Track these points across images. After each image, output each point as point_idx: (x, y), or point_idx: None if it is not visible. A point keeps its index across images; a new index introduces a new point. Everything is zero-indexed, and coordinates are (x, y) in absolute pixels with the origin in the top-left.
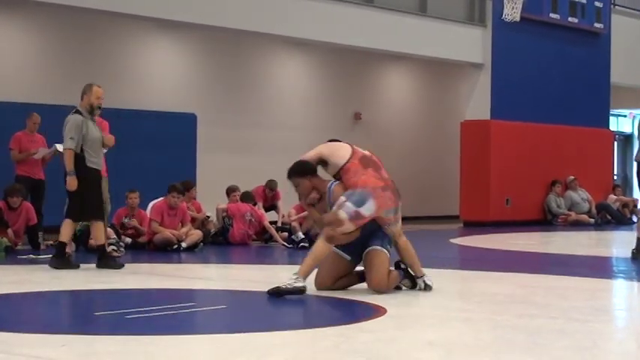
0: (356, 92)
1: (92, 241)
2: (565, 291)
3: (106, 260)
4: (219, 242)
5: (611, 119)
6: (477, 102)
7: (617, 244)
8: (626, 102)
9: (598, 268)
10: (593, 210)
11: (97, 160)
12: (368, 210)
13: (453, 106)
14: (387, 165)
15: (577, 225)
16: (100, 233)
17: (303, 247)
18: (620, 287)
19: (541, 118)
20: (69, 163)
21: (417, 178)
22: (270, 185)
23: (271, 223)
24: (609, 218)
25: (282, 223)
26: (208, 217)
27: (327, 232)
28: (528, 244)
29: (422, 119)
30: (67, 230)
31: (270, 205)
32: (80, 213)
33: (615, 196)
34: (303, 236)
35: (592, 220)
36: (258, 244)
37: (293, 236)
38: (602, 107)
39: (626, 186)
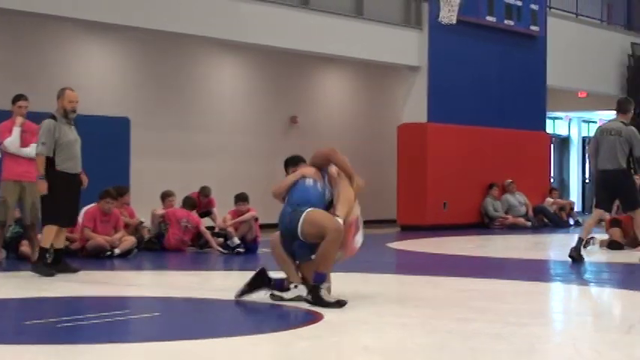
0: (292, 95)
1: (23, 248)
2: (502, 295)
3: (64, 265)
4: (153, 248)
5: (548, 122)
6: (413, 105)
7: (554, 247)
8: (562, 104)
9: (535, 271)
10: (530, 213)
11: (71, 165)
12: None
13: (389, 110)
14: None
15: (514, 228)
16: (62, 238)
17: (238, 252)
18: (557, 290)
19: (478, 121)
20: (40, 168)
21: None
22: (204, 192)
23: (207, 228)
24: (546, 221)
25: (219, 229)
26: (142, 222)
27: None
28: (465, 247)
29: (359, 122)
30: (48, 235)
31: (205, 212)
32: (56, 217)
33: (552, 199)
34: (238, 242)
35: (529, 224)
36: (194, 250)
37: (229, 242)
38: (539, 110)
39: (562, 189)
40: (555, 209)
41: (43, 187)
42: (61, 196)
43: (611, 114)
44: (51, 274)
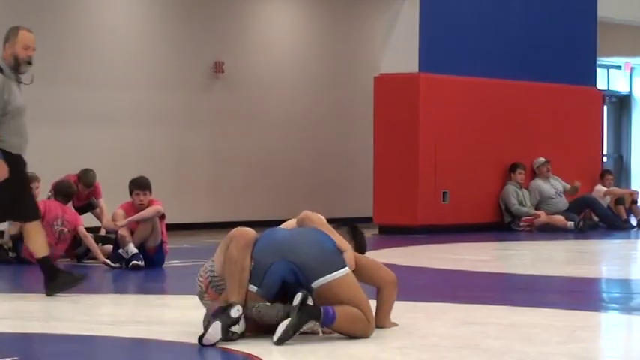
0: (216, 34)
1: None
2: (530, 329)
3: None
4: (8, 260)
5: (600, 72)
6: (398, 47)
7: (608, 258)
8: (621, 47)
9: (579, 295)
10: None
11: (18, 142)
12: None
13: (362, 54)
14: (263, 142)
15: (548, 231)
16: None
17: (135, 266)
18: (610, 323)
19: (495, 72)
20: None
21: (314, 165)
22: (86, 179)
23: (90, 230)
24: (596, 220)
25: (106, 231)
26: None
27: None
28: (476, 260)
29: (314, 71)
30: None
31: (86, 204)
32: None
33: (605, 188)
34: (136, 250)
35: (571, 224)
36: (68, 261)
37: (120, 250)
38: (586, 55)
39: (620, 172)
40: (610, 202)
41: (3, 171)
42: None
43: None
44: (81, 276)
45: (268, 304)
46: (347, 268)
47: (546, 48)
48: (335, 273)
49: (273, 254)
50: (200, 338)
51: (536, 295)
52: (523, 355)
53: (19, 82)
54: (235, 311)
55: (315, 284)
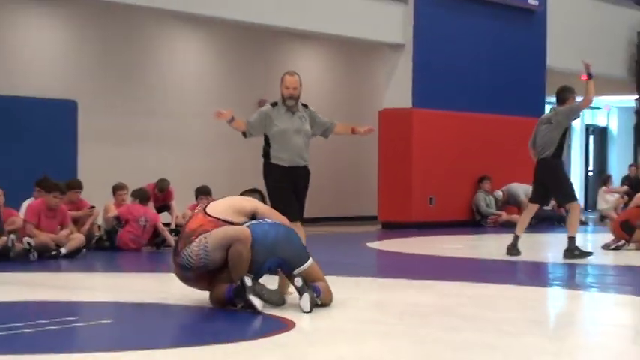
0: (260, 76)
1: None
2: (495, 300)
3: None
4: (104, 247)
5: (547, 108)
6: (396, 88)
7: (552, 247)
8: None
9: (531, 274)
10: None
11: (286, 157)
12: None
13: (370, 93)
14: None
15: (508, 226)
16: None
17: None
18: (555, 296)
19: (469, 107)
20: None
21: (330, 175)
22: (161, 186)
23: (165, 225)
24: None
25: (177, 225)
26: (93, 207)
27: None
28: (454, 248)
29: (335, 107)
30: None
31: (162, 205)
32: None
33: None
34: None
35: None
36: (149, 249)
37: None
38: (537, 94)
39: None
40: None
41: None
42: None
43: (620, 99)
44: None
45: (271, 288)
46: (311, 259)
47: (507, 89)
48: (306, 263)
49: (271, 250)
50: (255, 310)
51: (499, 275)
52: (489, 319)
53: (290, 111)
54: (249, 279)
55: (296, 272)
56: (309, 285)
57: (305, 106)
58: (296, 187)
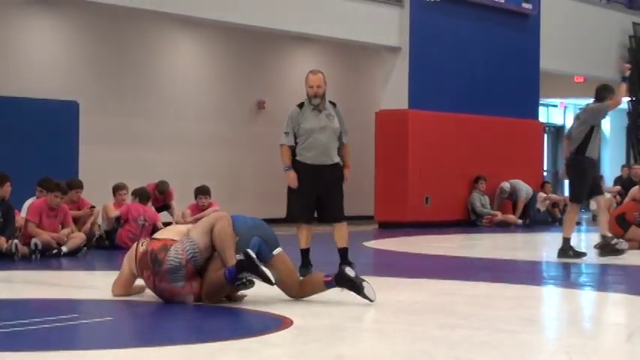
0: (258, 78)
1: None
2: (490, 299)
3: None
4: (104, 246)
5: (541, 109)
6: (393, 90)
7: (547, 246)
8: (557, 90)
9: (525, 273)
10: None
11: (310, 155)
12: None
13: (367, 95)
14: None
15: (503, 226)
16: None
17: None
18: (549, 294)
19: (464, 108)
20: None
21: None
22: (161, 188)
23: (165, 224)
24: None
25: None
26: (93, 207)
27: None
28: (450, 247)
29: None
30: None
31: (162, 205)
32: None
33: (545, 194)
34: None
35: (520, 221)
36: None
37: None
38: (531, 96)
39: (556, 183)
40: (548, 205)
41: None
42: None
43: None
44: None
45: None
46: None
47: (502, 90)
48: (279, 248)
49: (252, 232)
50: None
51: (494, 273)
52: (484, 317)
53: (317, 110)
54: (252, 251)
55: (275, 252)
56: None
57: (333, 104)
58: (322, 186)
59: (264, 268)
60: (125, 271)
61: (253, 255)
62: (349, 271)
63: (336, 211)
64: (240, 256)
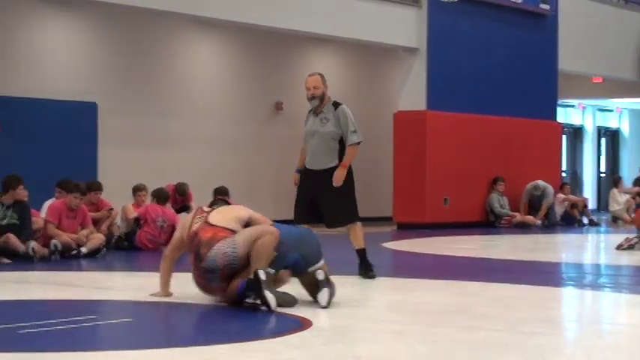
0: (276, 80)
1: None
2: (510, 300)
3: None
4: (123, 247)
5: (559, 110)
6: (411, 91)
7: (567, 248)
8: (575, 91)
9: (545, 274)
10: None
11: (308, 159)
12: None
13: (385, 96)
14: None
15: (522, 227)
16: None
17: None
18: (569, 296)
19: (482, 109)
20: None
21: None
22: (181, 190)
23: None
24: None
25: None
26: (111, 209)
27: None
28: (469, 248)
29: (351, 110)
30: None
31: (182, 207)
32: None
33: (563, 196)
34: None
35: (538, 222)
36: None
37: None
38: (550, 97)
39: (575, 184)
40: (567, 206)
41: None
42: None
43: (631, 101)
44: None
45: (282, 292)
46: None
47: (520, 91)
48: (321, 262)
49: (291, 248)
50: (269, 307)
51: (513, 275)
52: (504, 319)
53: (315, 113)
54: (264, 273)
55: (310, 269)
56: (330, 281)
57: (336, 105)
58: (314, 191)
59: (268, 293)
60: (177, 235)
61: (262, 277)
62: (262, 275)
63: (330, 216)
64: (264, 272)
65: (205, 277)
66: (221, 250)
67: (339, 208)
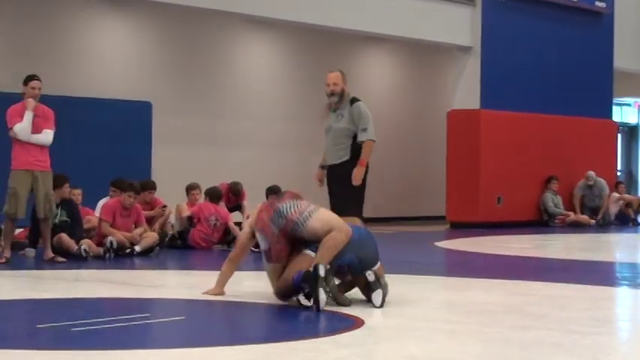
0: None
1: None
2: (562, 300)
3: None
4: (177, 246)
5: (615, 109)
6: (465, 89)
7: (621, 247)
8: (631, 90)
9: (599, 274)
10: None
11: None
12: None
13: (438, 95)
14: None
15: (576, 226)
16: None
17: None
18: (623, 295)
19: (536, 108)
20: None
21: (399, 175)
22: (234, 189)
23: (236, 224)
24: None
25: None
26: (165, 206)
27: None
28: (522, 247)
29: (404, 109)
30: None
31: (235, 205)
32: None
33: (618, 194)
34: None
35: (593, 222)
36: (221, 247)
37: None
38: (605, 95)
39: (630, 184)
40: (622, 206)
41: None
42: None
43: None
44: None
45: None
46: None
47: (575, 90)
48: (377, 265)
49: (350, 249)
50: (317, 306)
51: (566, 274)
52: (556, 318)
53: (333, 110)
54: (324, 270)
55: (366, 273)
56: (381, 281)
57: (352, 102)
58: (330, 186)
59: (322, 292)
60: (246, 229)
61: (321, 273)
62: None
63: (337, 210)
64: (324, 268)
65: (272, 222)
66: (298, 207)
67: (338, 204)
